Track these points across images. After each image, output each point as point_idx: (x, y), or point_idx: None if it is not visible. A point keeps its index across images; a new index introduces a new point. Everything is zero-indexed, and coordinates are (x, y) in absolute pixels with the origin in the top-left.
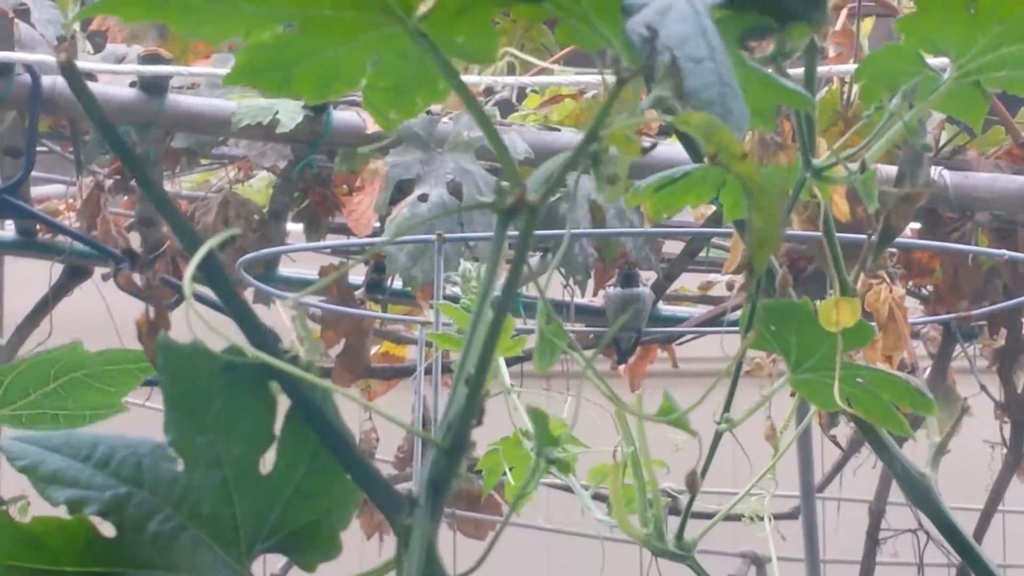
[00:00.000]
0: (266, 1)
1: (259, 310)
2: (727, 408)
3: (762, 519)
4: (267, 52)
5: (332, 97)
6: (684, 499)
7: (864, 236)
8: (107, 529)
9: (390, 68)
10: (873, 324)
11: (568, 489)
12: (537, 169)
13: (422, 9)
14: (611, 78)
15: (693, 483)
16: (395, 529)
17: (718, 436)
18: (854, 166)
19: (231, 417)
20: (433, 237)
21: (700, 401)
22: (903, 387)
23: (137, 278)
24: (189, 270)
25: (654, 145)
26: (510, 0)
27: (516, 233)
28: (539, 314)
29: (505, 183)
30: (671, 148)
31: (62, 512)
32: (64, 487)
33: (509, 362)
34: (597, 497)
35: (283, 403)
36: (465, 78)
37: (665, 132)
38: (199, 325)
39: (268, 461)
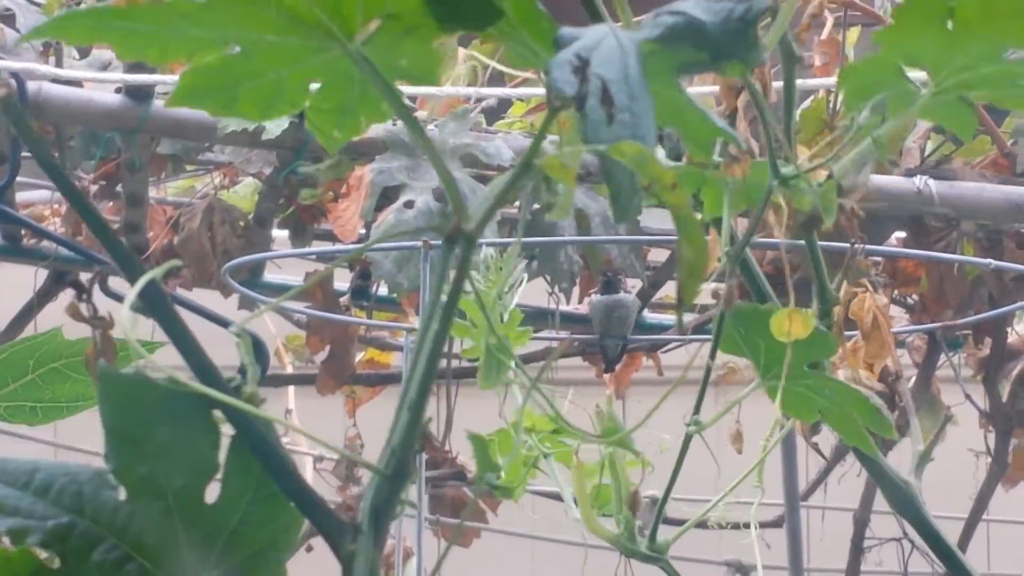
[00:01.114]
0: (210, 25)
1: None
2: (697, 410)
3: (747, 527)
4: (211, 74)
5: (275, 117)
6: (674, 504)
7: (847, 244)
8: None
9: (333, 90)
10: (856, 333)
11: (553, 496)
12: (477, 196)
13: (363, 35)
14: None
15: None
16: (338, 556)
17: (688, 438)
18: (816, 182)
19: (174, 447)
20: (419, 244)
21: (654, 410)
22: (863, 404)
23: (84, 308)
24: (128, 300)
25: (588, 174)
26: (454, 26)
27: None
28: (484, 332)
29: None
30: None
31: (5, 543)
32: (6, 516)
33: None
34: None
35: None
36: (453, 88)
37: None
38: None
39: (212, 490)
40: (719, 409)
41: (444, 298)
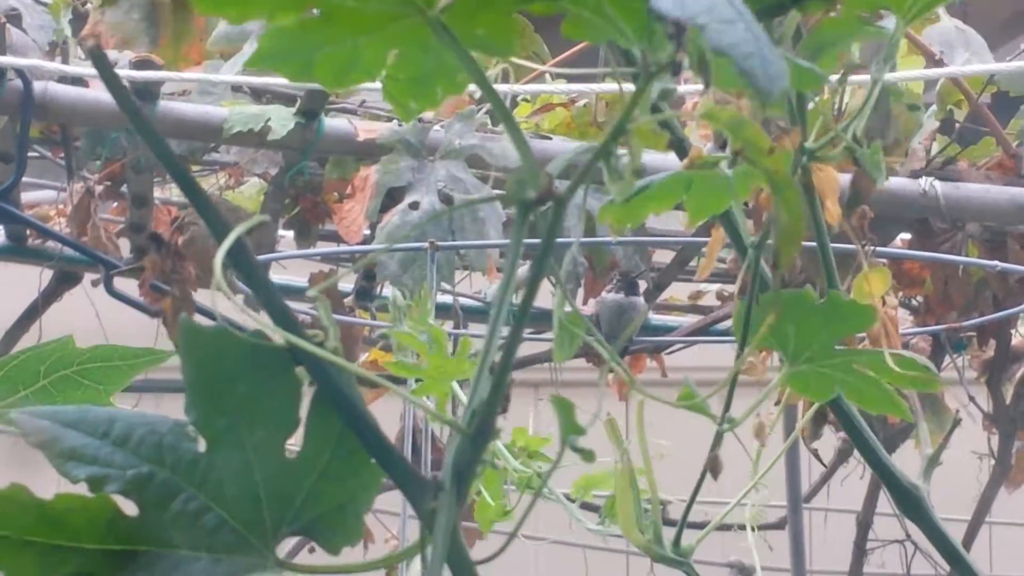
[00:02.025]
0: None
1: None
2: (727, 408)
3: (751, 528)
4: (289, 38)
5: (351, 85)
6: (676, 507)
7: (855, 245)
8: (129, 508)
9: (410, 59)
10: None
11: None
12: (554, 160)
13: (443, 1)
14: (623, 75)
15: (714, 467)
16: (419, 514)
17: (719, 436)
18: (852, 142)
19: (255, 401)
20: (425, 245)
21: (711, 394)
22: (907, 363)
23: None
24: (219, 254)
25: (673, 141)
26: None
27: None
28: (556, 304)
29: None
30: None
31: (83, 490)
32: (84, 464)
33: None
34: (585, 507)
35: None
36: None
37: None
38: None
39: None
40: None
41: (520, 263)
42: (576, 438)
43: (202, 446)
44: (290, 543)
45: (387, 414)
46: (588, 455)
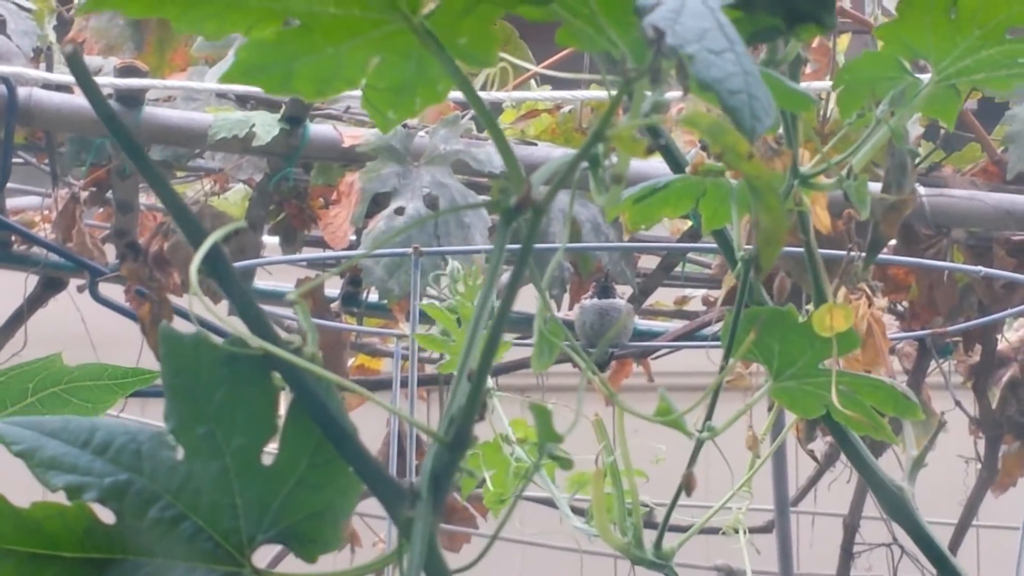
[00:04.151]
0: None
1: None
2: (708, 417)
3: (737, 532)
4: (268, 50)
5: (332, 95)
6: (660, 511)
7: (843, 251)
8: (106, 516)
9: (391, 67)
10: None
11: (543, 501)
12: (536, 171)
13: (428, 7)
14: (612, 81)
15: (688, 484)
16: (396, 522)
17: (699, 444)
18: (843, 173)
19: (233, 408)
20: (410, 251)
21: (694, 406)
22: (886, 391)
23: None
24: (195, 262)
25: (660, 146)
26: (516, 1)
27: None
28: (538, 314)
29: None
30: (643, 163)
31: (61, 498)
32: (63, 473)
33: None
34: (573, 507)
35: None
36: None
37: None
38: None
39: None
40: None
41: (500, 273)
42: (554, 446)
43: (180, 454)
44: (274, 550)
45: (375, 418)
46: (565, 463)
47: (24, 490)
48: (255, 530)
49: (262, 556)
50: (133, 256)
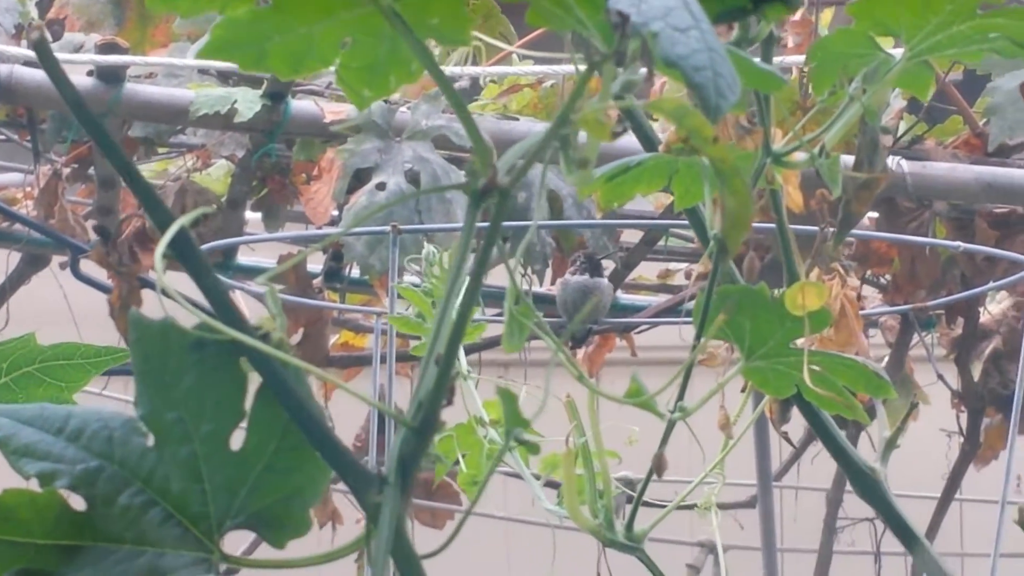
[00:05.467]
0: None
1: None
2: (680, 397)
3: (709, 511)
4: (242, 27)
5: (305, 74)
6: (638, 487)
7: (818, 227)
8: (77, 503)
9: (364, 47)
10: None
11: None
12: (505, 153)
13: None
14: (582, 62)
15: (659, 465)
16: (364, 507)
17: (671, 425)
18: (815, 150)
19: (201, 393)
20: (388, 228)
21: (666, 386)
22: (859, 370)
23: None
24: (160, 247)
25: (625, 130)
26: None
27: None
28: (508, 294)
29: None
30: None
31: (33, 485)
32: (35, 460)
33: (467, 349)
34: (550, 485)
35: (254, 379)
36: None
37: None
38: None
39: (238, 438)
40: (691, 391)
41: (471, 253)
42: (521, 430)
43: (151, 440)
44: (249, 539)
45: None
46: (533, 447)
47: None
48: (224, 515)
49: (236, 544)
50: (103, 240)
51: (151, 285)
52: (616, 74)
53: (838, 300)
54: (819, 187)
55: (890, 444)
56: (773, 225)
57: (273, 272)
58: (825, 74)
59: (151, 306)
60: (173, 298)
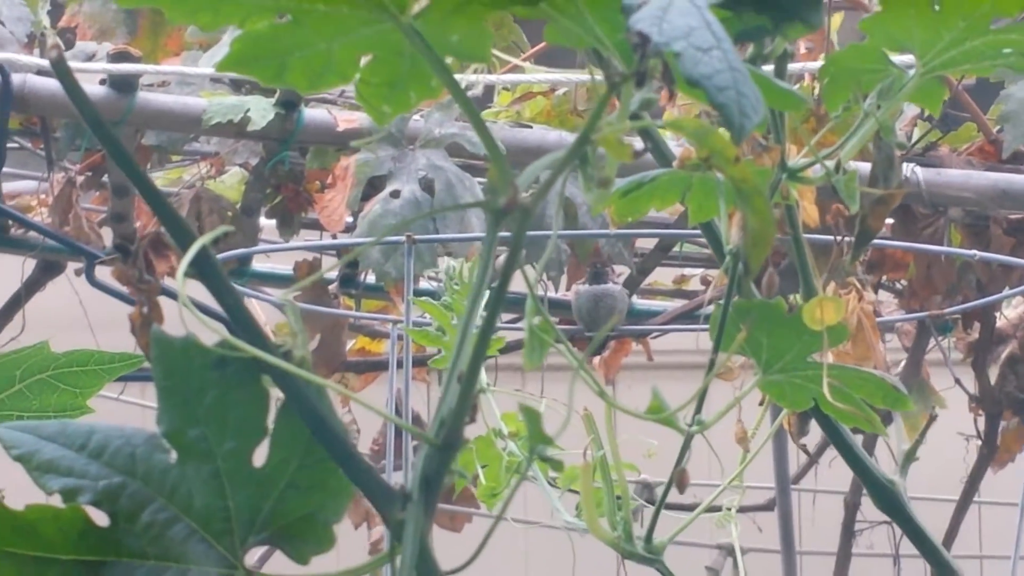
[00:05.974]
0: None
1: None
2: (698, 411)
3: (729, 524)
4: (261, 42)
5: (325, 88)
6: (659, 492)
7: (833, 239)
8: (101, 518)
9: (383, 63)
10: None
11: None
12: (525, 170)
13: (416, 7)
14: (601, 80)
15: (681, 481)
16: (387, 524)
17: (689, 439)
18: (830, 164)
19: (223, 410)
20: (403, 239)
21: (685, 405)
22: (877, 384)
23: (119, 271)
24: (182, 266)
25: (646, 149)
26: (506, 1)
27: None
28: (528, 310)
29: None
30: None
31: (56, 501)
32: (58, 476)
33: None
34: (570, 491)
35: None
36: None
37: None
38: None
39: (261, 454)
40: (708, 400)
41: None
42: (544, 447)
43: (174, 457)
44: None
45: (375, 400)
46: (556, 464)
47: (24, 492)
48: (247, 532)
49: (251, 553)
50: (123, 258)
51: (171, 294)
52: (634, 93)
53: (855, 314)
54: (834, 199)
55: (909, 456)
56: (788, 237)
57: (297, 287)
58: (838, 89)
59: (171, 319)
60: (195, 315)
